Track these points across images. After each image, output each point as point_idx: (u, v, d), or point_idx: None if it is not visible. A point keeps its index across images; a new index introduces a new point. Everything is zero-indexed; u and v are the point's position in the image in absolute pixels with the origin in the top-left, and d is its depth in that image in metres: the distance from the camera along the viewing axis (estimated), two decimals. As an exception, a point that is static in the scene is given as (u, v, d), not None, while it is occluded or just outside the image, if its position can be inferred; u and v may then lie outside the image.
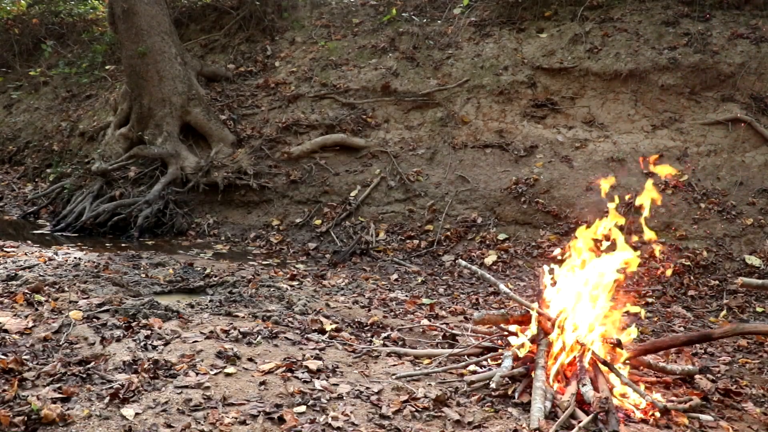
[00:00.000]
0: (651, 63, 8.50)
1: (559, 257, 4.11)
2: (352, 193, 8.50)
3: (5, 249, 6.39)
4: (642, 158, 7.65)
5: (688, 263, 6.75)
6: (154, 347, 3.86)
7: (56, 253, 6.47)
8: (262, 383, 3.44)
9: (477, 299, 6.09)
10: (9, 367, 3.32)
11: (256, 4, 11.14)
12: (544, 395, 3.27)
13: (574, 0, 9.57)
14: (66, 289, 4.98)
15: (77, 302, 4.64)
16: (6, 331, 3.90)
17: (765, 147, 7.78)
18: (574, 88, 8.83)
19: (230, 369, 3.58)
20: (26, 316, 4.16)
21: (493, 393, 3.45)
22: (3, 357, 3.43)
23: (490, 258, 7.25)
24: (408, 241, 7.81)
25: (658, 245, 6.89)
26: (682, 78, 8.34)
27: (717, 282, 6.51)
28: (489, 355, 3.96)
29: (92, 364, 3.52)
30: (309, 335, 4.38)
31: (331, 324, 4.67)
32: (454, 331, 4.62)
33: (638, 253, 3.91)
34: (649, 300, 6.26)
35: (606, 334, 3.69)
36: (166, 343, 3.92)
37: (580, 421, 3.10)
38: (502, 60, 9.35)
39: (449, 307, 5.66)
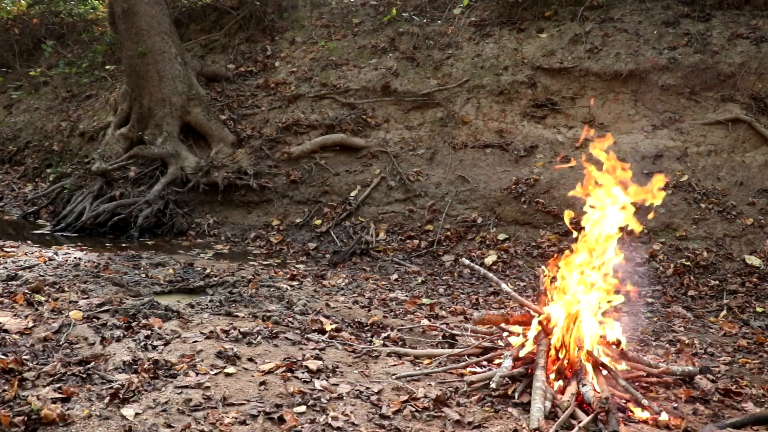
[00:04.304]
0: (651, 63, 8.50)
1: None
2: (352, 193, 8.50)
3: (5, 249, 6.39)
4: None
5: (688, 263, 6.75)
6: (154, 347, 3.86)
7: (56, 253, 6.47)
8: (262, 383, 3.44)
9: (477, 299, 6.09)
10: (9, 367, 3.32)
11: (256, 4, 11.14)
12: (544, 395, 3.27)
13: (574, 0, 9.57)
14: (66, 289, 4.98)
15: (77, 302, 4.64)
16: (6, 331, 3.90)
17: (765, 147, 7.78)
18: (574, 88, 8.83)
19: (230, 369, 3.58)
20: (26, 316, 4.16)
21: (493, 393, 3.45)
22: (3, 357, 3.43)
23: (490, 258, 7.25)
24: (408, 241, 7.81)
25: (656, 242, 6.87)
26: (682, 78, 8.34)
27: (717, 282, 6.51)
28: (489, 355, 3.96)
29: (92, 364, 3.52)
30: (309, 335, 4.38)
31: (331, 324, 4.67)
32: (454, 331, 4.62)
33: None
34: (649, 300, 6.26)
35: (605, 334, 3.69)
36: (166, 343, 3.92)
37: (580, 421, 3.11)
38: (502, 60, 9.35)
39: (449, 307, 5.66)
